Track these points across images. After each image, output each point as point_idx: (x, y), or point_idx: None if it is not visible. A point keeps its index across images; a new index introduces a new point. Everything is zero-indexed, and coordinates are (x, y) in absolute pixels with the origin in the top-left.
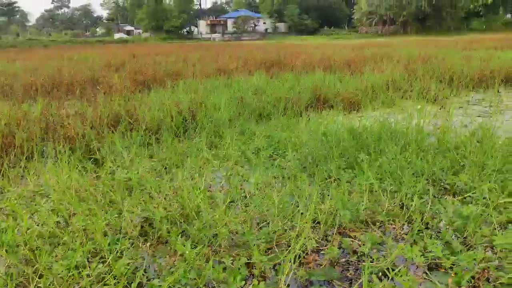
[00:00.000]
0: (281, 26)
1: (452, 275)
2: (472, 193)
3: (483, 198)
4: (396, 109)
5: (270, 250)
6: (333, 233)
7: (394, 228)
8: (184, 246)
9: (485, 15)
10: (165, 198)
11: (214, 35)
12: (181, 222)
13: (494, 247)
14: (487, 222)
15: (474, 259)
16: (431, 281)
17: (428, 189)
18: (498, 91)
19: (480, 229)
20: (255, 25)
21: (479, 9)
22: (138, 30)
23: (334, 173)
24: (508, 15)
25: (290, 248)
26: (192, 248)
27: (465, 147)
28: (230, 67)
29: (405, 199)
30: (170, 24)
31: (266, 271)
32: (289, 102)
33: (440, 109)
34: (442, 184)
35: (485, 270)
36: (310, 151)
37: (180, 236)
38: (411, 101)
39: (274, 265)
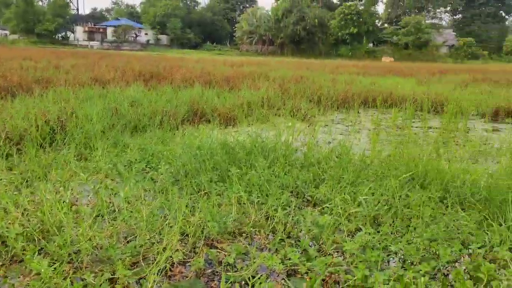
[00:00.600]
0: (164, 39)
1: (307, 279)
2: (329, 204)
3: (337, 208)
4: (269, 125)
5: (136, 264)
6: (201, 245)
7: (259, 238)
8: (40, 264)
9: (351, 43)
10: (22, 214)
11: (92, 43)
12: (39, 239)
13: (344, 253)
14: (340, 230)
15: (326, 264)
16: (288, 286)
17: (292, 201)
18: (358, 112)
19: (333, 236)
20: (136, 35)
21: (346, 37)
22: (5, 31)
23: (206, 186)
24: (370, 44)
25: (156, 261)
26: (50, 266)
27: (326, 162)
28: (106, 77)
29: (271, 210)
30: (42, 27)
31: (130, 285)
32: (166, 115)
33: (308, 126)
34: (305, 196)
35: (335, 274)
36: (183, 164)
37: (37, 253)
38: (283, 118)
39: (139, 279)
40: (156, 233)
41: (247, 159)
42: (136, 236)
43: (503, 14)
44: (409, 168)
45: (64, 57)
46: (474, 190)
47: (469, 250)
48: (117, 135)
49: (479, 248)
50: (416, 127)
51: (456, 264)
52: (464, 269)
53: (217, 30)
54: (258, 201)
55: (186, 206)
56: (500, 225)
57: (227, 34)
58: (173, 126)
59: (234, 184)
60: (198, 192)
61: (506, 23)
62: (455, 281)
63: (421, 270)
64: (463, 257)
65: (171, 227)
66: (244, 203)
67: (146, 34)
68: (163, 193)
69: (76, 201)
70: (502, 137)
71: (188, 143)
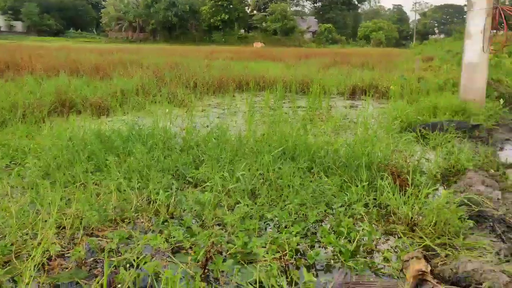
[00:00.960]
0: (19, 25)
1: (192, 253)
2: (210, 183)
3: (217, 186)
4: (146, 113)
5: (8, 263)
6: (80, 236)
7: (142, 222)
8: None
9: (224, 29)
10: None
11: None
12: None
13: (225, 225)
14: (220, 205)
15: (208, 237)
16: (174, 262)
17: (173, 183)
18: (233, 96)
19: (214, 211)
20: None
21: (219, 24)
22: None
23: (82, 177)
24: (242, 31)
25: (31, 256)
26: None
27: (204, 144)
28: None
29: (152, 194)
30: None
31: (3, 285)
32: (29, 107)
33: (185, 112)
34: (186, 177)
35: (218, 245)
36: (54, 157)
37: None
38: (160, 105)
39: (13, 277)
40: (29, 229)
41: (125, 146)
42: (5, 235)
43: (356, 2)
44: (281, 144)
45: None
46: (335, 159)
47: (333, 210)
48: None
49: (340, 207)
50: (287, 107)
51: (322, 223)
52: (329, 226)
53: (80, 15)
54: (139, 186)
55: (61, 199)
56: (357, 186)
57: (93, 20)
58: (39, 118)
59: (113, 171)
60: (74, 183)
61: (359, 10)
62: (321, 237)
63: (293, 232)
64: (328, 216)
65: (45, 221)
66: (124, 190)
67: None
68: (32, 188)
69: None
70: (358, 112)
71: (58, 135)
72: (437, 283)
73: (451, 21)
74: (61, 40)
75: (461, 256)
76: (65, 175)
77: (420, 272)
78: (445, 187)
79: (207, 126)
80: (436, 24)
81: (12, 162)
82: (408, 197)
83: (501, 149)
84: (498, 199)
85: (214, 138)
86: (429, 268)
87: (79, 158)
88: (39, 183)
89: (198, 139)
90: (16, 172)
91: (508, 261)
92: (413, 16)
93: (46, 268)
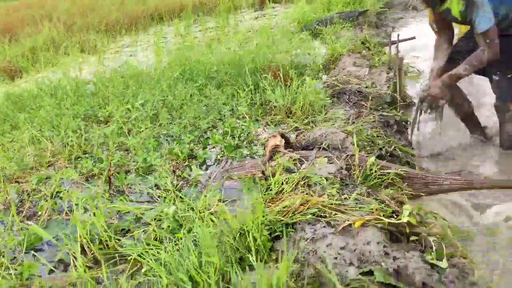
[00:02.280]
0: None
1: (102, 177)
2: (114, 118)
3: (122, 118)
4: (60, 67)
5: None
6: (2, 185)
7: (60, 163)
8: None
9: None
10: None
11: None
12: None
13: (128, 149)
14: (122, 135)
15: (111, 162)
16: (88, 187)
17: (85, 124)
18: (147, 32)
19: (119, 139)
20: None
21: None
22: None
23: None
24: None
25: None
26: None
27: (113, 84)
28: None
29: (65, 138)
30: None
31: None
32: None
33: (99, 57)
34: (95, 117)
35: (124, 166)
36: None
37: None
38: (73, 55)
39: None
40: None
41: (35, 102)
42: None
43: None
44: (183, 68)
45: None
46: (227, 71)
47: (223, 115)
48: None
49: (229, 111)
50: (198, 31)
51: (215, 129)
52: (219, 129)
53: None
54: (53, 135)
55: None
56: (244, 90)
57: None
58: None
59: (23, 127)
60: None
61: None
62: (210, 137)
63: (186, 141)
64: (218, 122)
65: None
66: (39, 140)
67: None
68: None
69: None
70: (263, 21)
71: None
72: (288, 151)
73: None
74: None
75: (317, 128)
76: None
77: (274, 146)
78: (326, 74)
79: (119, 67)
80: None
81: None
82: (285, 90)
83: (393, 28)
84: (365, 75)
85: (121, 77)
86: (283, 142)
87: None
88: None
89: (108, 80)
90: None
91: (353, 123)
92: None
93: None
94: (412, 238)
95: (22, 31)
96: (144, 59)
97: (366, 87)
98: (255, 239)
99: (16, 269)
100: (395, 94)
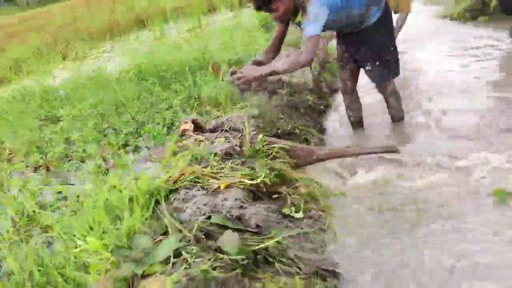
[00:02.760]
0: None
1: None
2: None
3: (68, 117)
4: (41, 74)
5: None
6: None
7: (15, 159)
8: None
9: None
10: None
11: None
12: None
13: (74, 141)
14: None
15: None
16: (32, 176)
17: (43, 124)
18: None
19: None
20: None
21: None
22: None
23: None
24: None
25: None
26: None
27: (78, 87)
28: None
29: (24, 136)
30: None
31: None
32: None
33: (79, 64)
34: (55, 118)
35: (70, 156)
36: None
37: None
38: (55, 63)
39: None
40: None
41: (7, 108)
42: None
43: None
44: (138, 69)
45: None
46: (175, 70)
47: (161, 109)
48: None
49: (166, 106)
50: (175, 33)
51: (151, 121)
52: (153, 121)
53: None
54: (16, 135)
55: None
56: (183, 85)
57: None
58: None
59: None
60: None
61: None
62: (145, 130)
63: (124, 132)
64: (156, 115)
65: None
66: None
67: None
68: None
69: None
70: (233, 22)
71: None
72: (196, 134)
73: None
74: None
75: (227, 114)
76: None
77: (184, 130)
78: None
79: (93, 71)
80: None
81: None
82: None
83: None
84: None
85: (87, 80)
86: (192, 127)
87: None
88: None
89: (71, 85)
90: None
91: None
92: None
93: None
94: (274, 196)
95: (10, 44)
96: (117, 63)
97: (292, 77)
98: (137, 202)
99: None
100: (318, 83)
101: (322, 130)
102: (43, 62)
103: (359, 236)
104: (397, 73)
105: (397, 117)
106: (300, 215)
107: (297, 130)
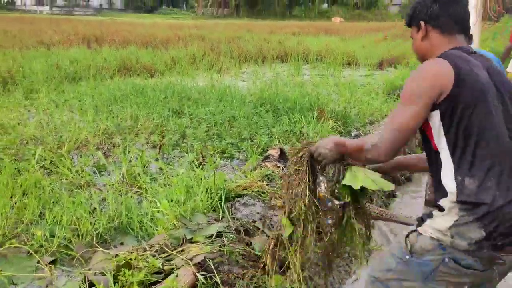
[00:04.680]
0: (118, 2)
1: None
2: (190, 116)
3: (196, 116)
4: (188, 76)
5: None
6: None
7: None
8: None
9: (305, 3)
10: None
11: (41, 8)
12: None
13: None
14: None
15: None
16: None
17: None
18: (271, 65)
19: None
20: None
21: None
22: None
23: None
24: (325, 5)
25: None
26: None
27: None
28: (52, 40)
29: (154, 120)
30: None
31: None
32: (100, 69)
33: (219, 76)
34: (182, 112)
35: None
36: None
37: None
38: (201, 70)
39: None
40: None
41: (152, 94)
42: None
43: None
44: (262, 97)
45: (10, 22)
46: (288, 105)
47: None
48: (57, 83)
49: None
50: (307, 75)
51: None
52: (252, 140)
53: None
54: (147, 115)
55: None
56: (289, 119)
57: None
58: (105, 77)
59: (130, 104)
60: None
61: None
62: (242, 145)
63: (226, 141)
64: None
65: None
66: (137, 117)
67: None
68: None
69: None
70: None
71: (113, 88)
72: (278, 160)
73: None
74: (153, 16)
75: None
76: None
77: (270, 154)
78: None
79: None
80: None
81: (80, 101)
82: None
83: None
84: None
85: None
86: (278, 154)
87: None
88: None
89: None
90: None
91: None
92: None
93: None
94: None
95: (175, 44)
96: (247, 85)
97: None
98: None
99: None
100: None
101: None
102: (193, 67)
103: None
104: None
105: None
106: None
107: None
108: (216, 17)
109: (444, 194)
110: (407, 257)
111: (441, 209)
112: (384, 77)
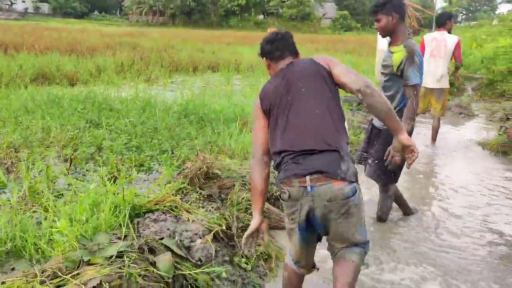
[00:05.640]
0: (45, 7)
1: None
2: (108, 126)
3: (112, 127)
4: (112, 85)
5: None
6: None
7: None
8: None
9: (241, 14)
10: None
11: None
12: None
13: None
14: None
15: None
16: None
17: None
18: (201, 75)
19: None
20: (12, 3)
21: (236, 9)
22: None
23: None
24: (261, 16)
25: None
26: None
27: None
28: None
29: (70, 131)
30: None
31: None
32: (14, 77)
33: (147, 85)
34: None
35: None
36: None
37: None
38: (128, 79)
39: None
40: None
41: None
42: None
43: None
44: (187, 107)
45: None
46: (211, 115)
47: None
48: None
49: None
50: (237, 85)
51: (171, 151)
52: (173, 152)
53: None
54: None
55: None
56: (213, 130)
57: (116, 3)
58: (20, 86)
59: (42, 114)
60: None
61: None
62: (161, 157)
63: (146, 154)
64: (177, 147)
65: None
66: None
67: (23, 1)
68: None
69: None
70: None
71: (25, 97)
72: None
73: (480, 9)
74: (83, 22)
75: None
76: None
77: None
78: None
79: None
80: (463, 12)
81: None
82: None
83: None
84: None
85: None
86: None
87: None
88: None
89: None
90: None
91: None
92: (439, 4)
93: None
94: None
95: (105, 52)
96: (174, 95)
97: None
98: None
99: None
100: None
101: None
102: (120, 76)
103: None
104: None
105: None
106: (248, 266)
107: None
108: (151, 25)
109: None
110: None
111: None
112: None
